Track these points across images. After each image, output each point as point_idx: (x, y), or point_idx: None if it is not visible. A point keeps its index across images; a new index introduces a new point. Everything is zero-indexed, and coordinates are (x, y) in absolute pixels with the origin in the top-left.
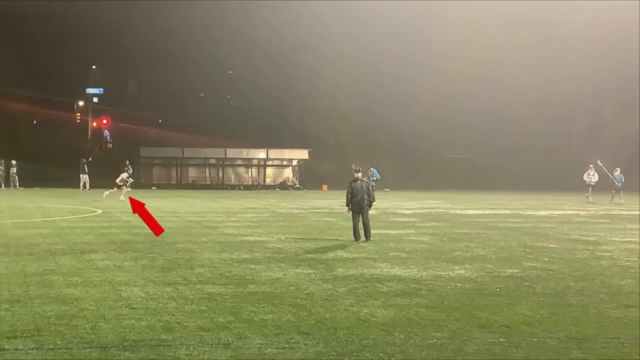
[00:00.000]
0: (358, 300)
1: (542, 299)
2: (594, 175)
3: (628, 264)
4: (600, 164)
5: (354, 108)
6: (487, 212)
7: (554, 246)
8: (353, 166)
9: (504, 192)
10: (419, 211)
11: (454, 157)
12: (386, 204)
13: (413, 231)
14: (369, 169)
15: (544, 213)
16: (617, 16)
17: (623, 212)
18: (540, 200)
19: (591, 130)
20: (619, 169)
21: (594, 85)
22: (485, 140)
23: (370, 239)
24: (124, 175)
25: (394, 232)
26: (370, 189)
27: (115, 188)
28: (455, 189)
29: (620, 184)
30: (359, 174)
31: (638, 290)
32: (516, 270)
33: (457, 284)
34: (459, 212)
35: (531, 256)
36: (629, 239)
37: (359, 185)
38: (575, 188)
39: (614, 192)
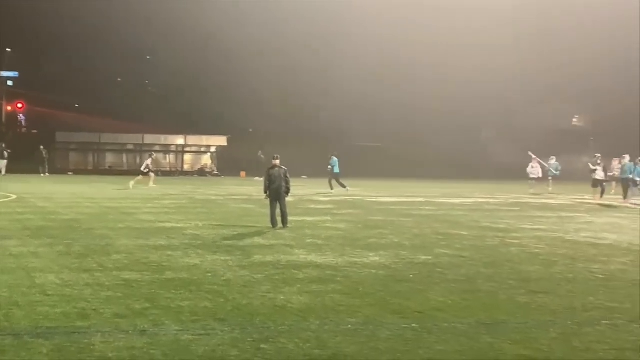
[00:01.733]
0: (274, 287)
1: (453, 285)
2: (536, 166)
3: (536, 251)
4: (530, 153)
5: (273, 96)
6: (401, 199)
7: (466, 233)
8: (261, 155)
9: (419, 180)
10: (335, 198)
11: (368, 145)
12: (304, 191)
13: (329, 218)
14: (330, 157)
15: (457, 201)
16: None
17: (532, 200)
18: (453, 189)
19: (505, 121)
20: (554, 157)
21: (506, 78)
22: (401, 129)
23: (288, 225)
24: (148, 161)
25: (310, 219)
26: (287, 176)
27: (141, 176)
28: (370, 177)
29: (557, 172)
30: (277, 161)
31: (546, 276)
32: (429, 257)
33: (372, 271)
34: (373, 199)
35: (443, 243)
36: (538, 227)
37: (276, 172)
38: (493, 176)
39: (550, 179)
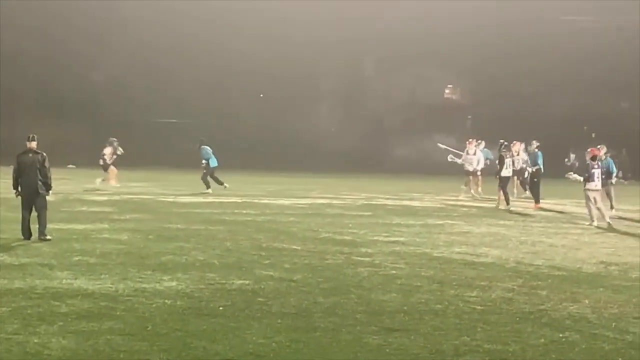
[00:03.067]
0: (25, 326)
1: (279, 322)
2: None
3: (393, 272)
4: (441, 145)
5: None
6: (210, 199)
7: (298, 248)
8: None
9: (238, 172)
10: (116, 197)
11: (169, 122)
12: (71, 185)
13: (107, 226)
14: (200, 147)
15: (286, 202)
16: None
17: (389, 202)
18: (283, 184)
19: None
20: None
21: None
22: (216, 102)
23: (47, 237)
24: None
25: (80, 227)
26: (46, 165)
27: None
28: (170, 166)
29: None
30: (32, 144)
31: (405, 308)
32: (247, 282)
33: (166, 301)
34: (172, 199)
35: (267, 262)
36: (396, 239)
37: (29, 159)
38: (336, 167)
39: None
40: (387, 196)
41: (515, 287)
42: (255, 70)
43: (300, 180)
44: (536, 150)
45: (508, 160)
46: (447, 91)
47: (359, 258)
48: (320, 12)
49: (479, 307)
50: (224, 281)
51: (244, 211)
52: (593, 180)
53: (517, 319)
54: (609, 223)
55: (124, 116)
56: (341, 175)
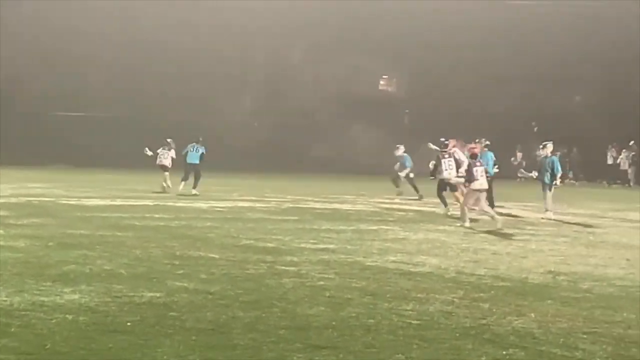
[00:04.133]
0: None
1: (194, 338)
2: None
3: (321, 283)
4: (432, 146)
5: None
6: (118, 202)
7: (216, 256)
8: None
9: (147, 171)
10: (12, 200)
11: (71, 115)
12: None
13: (1, 232)
14: (197, 145)
15: (204, 205)
16: None
17: (318, 205)
18: (200, 185)
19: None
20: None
21: None
22: (129, 95)
23: None
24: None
25: None
26: None
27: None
28: (72, 165)
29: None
30: None
31: (334, 323)
32: (158, 294)
33: (68, 316)
34: (75, 201)
35: (181, 272)
36: (325, 246)
37: None
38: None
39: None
40: (316, 198)
41: (455, 299)
42: (172, 60)
43: (220, 181)
44: (485, 150)
45: (446, 161)
46: (382, 82)
47: (283, 267)
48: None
49: (415, 322)
50: (132, 294)
51: (156, 215)
52: (477, 179)
53: (457, 334)
54: (497, 223)
55: (22, 108)
56: (264, 174)
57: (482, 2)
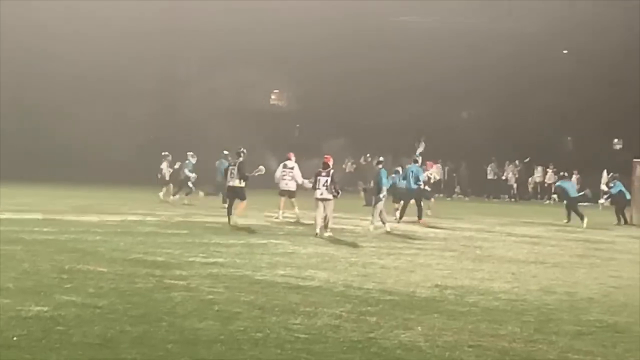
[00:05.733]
0: None
1: (81, 353)
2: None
3: (210, 297)
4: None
5: None
6: (6, 215)
7: (105, 270)
8: None
9: (42, 183)
10: None
11: None
12: None
13: None
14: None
15: (94, 219)
16: None
17: (208, 219)
18: (93, 199)
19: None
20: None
21: None
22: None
23: None
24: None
25: None
26: None
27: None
28: None
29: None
30: None
31: (223, 336)
32: (45, 308)
33: None
34: None
35: (69, 286)
36: (214, 260)
37: None
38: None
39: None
40: (207, 212)
41: (343, 313)
42: (45, 70)
43: (111, 195)
44: (379, 167)
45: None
46: (273, 97)
47: (172, 281)
48: (127, 5)
49: (303, 336)
50: (19, 307)
51: (45, 229)
52: (319, 188)
53: (344, 348)
54: (329, 235)
55: None
56: (151, 187)
57: (373, 20)
